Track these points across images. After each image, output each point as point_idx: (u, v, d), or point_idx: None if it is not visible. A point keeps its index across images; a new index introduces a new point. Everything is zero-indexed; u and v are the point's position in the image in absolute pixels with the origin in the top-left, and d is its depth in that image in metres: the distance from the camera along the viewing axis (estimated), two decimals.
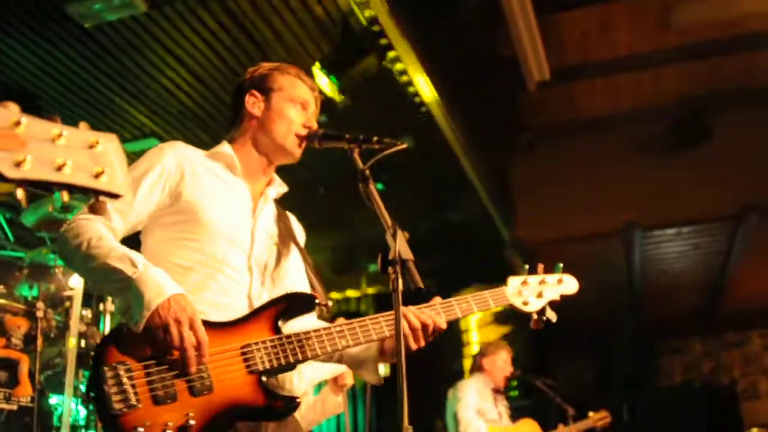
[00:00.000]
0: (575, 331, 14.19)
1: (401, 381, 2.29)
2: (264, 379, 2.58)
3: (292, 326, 2.79)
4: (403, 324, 2.65)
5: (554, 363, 13.83)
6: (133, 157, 2.76)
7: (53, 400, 5.90)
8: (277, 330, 2.68)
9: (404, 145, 2.75)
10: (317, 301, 2.83)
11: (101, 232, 2.57)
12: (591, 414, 8.09)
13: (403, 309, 2.49)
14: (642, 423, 11.61)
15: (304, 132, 2.99)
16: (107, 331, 6.55)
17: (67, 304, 6.20)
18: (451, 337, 12.54)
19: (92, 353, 2.46)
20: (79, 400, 6.12)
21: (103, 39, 6.86)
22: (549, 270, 3.32)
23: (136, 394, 2.38)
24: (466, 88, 8.76)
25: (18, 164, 1.34)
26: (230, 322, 2.65)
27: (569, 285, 3.33)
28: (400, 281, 2.41)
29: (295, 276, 3.07)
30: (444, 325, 2.84)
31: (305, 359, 2.68)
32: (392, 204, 2.61)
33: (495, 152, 10.33)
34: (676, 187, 9.87)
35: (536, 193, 10.27)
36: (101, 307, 6.66)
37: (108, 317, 6.59)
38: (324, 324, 2.84)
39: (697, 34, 8.49)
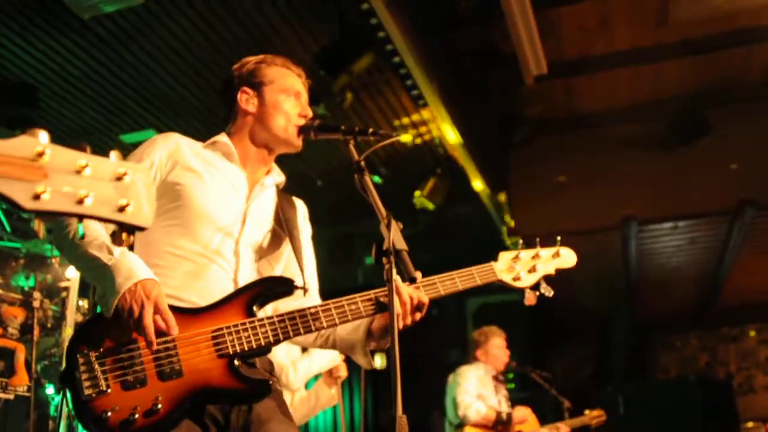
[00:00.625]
0: (572, 324, 14.27)
1: (395, 369, 2.29)
2: (236, 362, 2.60)
3: (282, 310, 2.80)
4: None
5: (551, 356, 13.87)
6: (130, 149, 2.78)
7: (50, 390, 5.92)
8: (250, 314, 2.69)
9: (399, 137, 2.76)
10: (294, 284, 2.81)
11: (87, 223, 2.61)
12: (587, 412, 8.13)
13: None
14: (637, 416, 11.63)
15: (301, 122, 2.99)
16: None
17: (64, 294, 6.22)
18: (447, 327, 12.57)
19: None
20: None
21: (101, 31, 6.87)
22: (546, 244, 3.20)
23: (106, 379, 2.44)
24: (464, 81, 8.76)
25: (37, 196, 1.34)
26: (204, 307, 2.67)
27: (566, 258, 3.21)
28: (394, 271, 2.42)
29: (288, 261, 3.08)
30: (426, 299, 2.80)
31: (277, 342, 2.69)
32: (389, 198, 2.62)
33: (493, 146, 10.34)
34: (673, 181, 9.88)
35: (533, 186, 10.28)
36: (97, 297, 6.68)
37: None
38: (305, 305, 2.82)
39: (696, 29, 8.49)
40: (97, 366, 2.45)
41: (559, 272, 3.18)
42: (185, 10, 6.70)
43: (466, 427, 7.29)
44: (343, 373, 6.08)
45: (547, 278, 3.16)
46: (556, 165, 10.19)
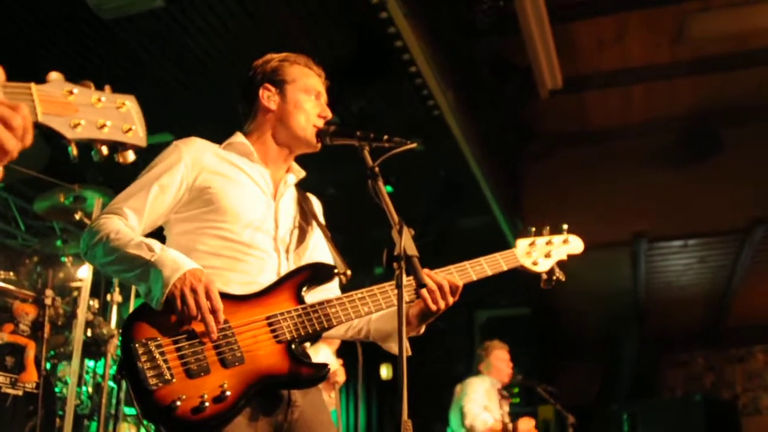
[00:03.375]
0: (579, 340, 14.25)
1: (401, 372, 2.31)
2: (293, 347, 2.65)
3: (314, 297, 2.84)
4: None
5: (557, 370, 13.86)
6: (147, 151, 2.80)
7: (58, 387, 5.95)
8: (300, 299, 2.75)
9: (414, 145, 2.79)
10: (336, 270, 2.89)
11: (119, 227, 2.68)
12: None
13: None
14: None
15: (320, 122, 3.03)
16: (113, 321, 6.63)
17: (75, 293, 6.26)
18: (454, 340, 12.56)
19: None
20: (84, 388, 6.18)
21: (121, 32, 6.92)
22: (554, 231, 3.35)
23: (169, 369, 2.45)
24: (479, 93, 8.79)
25: (74, 127, 1.66)
26: (254, 294, 2.72)
27: (575, 245, 3.36)
28: (404, 277, 2.45)
29: (318, 250, 3.13)
30: (460, 282, 2.87)
31: (330, 326, 2.74)
32: (401, 207, 2.65)
33: (505, 158, 10.36)
34: (684, 199, 9.89)
35: (545, 200, 10.29)
36: (108, 297, 6.73)
37: (115, 308, 6.67)
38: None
39: (711, 47, 8.52)
40: (158, 355, 2.46)
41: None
42: (204, 14, 6.74)
43: None
44: (341, 378, 6.10)
45: (560, 264, 3.32)
46: (569, 179, 10.21)
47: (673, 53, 8.62)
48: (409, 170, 8.96)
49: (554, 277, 3.28)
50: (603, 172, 10.17)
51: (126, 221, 2.73)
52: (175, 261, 2.53)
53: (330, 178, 9.17)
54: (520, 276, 3.32)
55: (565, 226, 3.36)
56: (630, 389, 13.97)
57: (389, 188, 9.31)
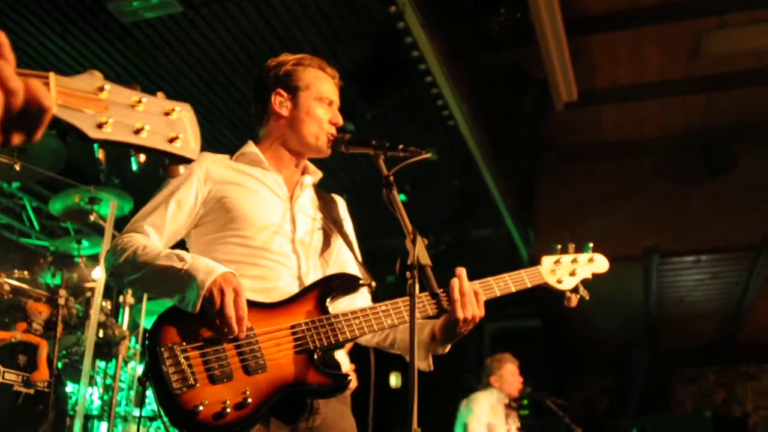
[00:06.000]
0: (590, 354, 14.21)
1: (412, 383, 2.32)
2: (315, 357, 2.64)
3: (341, 306, 2.84)
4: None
5: (568, 384, 13.83)
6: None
7: (69, 387, 5.98)
8: (324, 310, 2.74)
9: (429, 154, 2.79)
10: (361, 281, 2.88)
11: (144, 242, 2.70)
12: None
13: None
14: None
15: (332, 129, 3.02)
16: (125, 323, 6.66)
17: (88, 294, 6.29)
18: (464, 351, 12.55)
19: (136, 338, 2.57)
20: (95, 388, 6.21)
21: (140, 36, 6.98)
22: (579, 249, 3.33)
23: (193, 373, 2.46)
24: (495, 104, 8.80)
25: (100, 126, 1.45)
26: (279, 302, 2.72)
27: (600, 264, 3.34)
28: (417, 286, 2.45)
29: (344, 257, 3.14)
30: (481, 291, 2.86)
31: (354, 337, 2.74)
32: (414, 217, 2.66)
33: (519, 170, 10.36)
34: (697, 215, 9.86)
35: (557, 212, 10.28)
36: (121, 299, 6.77)
37: (127, 309, 6.70)
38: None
39: (727, 63, 8.51)
40: (182, 359, 2.47)
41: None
42: (223, 20, 6.79)
43: None
44: (353, 383, 6.10)
45: (584, 282, 3.29)
46: (581, 192, 10.19)
47: (688, 69, 8.61)
48: (423, 180, 8.99)
49: (578, 295, 3.27)
50: (616, 185, 10.15)
51: (148, 238, 2.75)
52: (207, 266, 2.54)
53: (344, 185, 9.22)
54: (532, 288, 3.29)
55: (591, 245, 3.34)
56: (640, 404, 13.92)
57: (403, 197, 9.33)
